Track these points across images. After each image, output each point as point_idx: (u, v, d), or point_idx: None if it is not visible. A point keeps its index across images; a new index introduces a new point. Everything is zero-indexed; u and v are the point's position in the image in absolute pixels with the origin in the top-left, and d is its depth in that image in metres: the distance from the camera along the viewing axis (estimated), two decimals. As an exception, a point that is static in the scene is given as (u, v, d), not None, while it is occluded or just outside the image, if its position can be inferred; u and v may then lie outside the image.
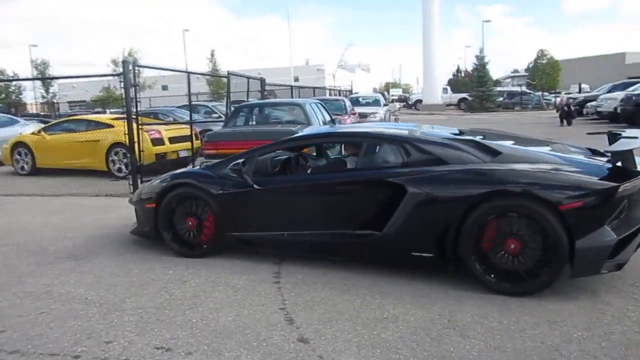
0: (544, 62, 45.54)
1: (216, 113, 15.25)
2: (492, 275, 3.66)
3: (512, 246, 3.58)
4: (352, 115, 15.06)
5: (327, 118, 9.64)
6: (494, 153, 3.89)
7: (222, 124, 10.51)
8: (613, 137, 4.14)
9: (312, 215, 4.32)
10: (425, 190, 3.81)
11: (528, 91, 40.95)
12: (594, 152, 4.25)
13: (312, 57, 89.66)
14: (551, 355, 2.84)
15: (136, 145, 8.13)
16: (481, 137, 4.38)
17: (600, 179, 3.49)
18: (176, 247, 4.77)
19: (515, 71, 65.78)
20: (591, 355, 2.82)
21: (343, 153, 6.44)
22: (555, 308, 3.42)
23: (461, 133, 4.64)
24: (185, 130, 10.57)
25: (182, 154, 10.45)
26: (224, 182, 4.61)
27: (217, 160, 4.99)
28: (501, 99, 38.97)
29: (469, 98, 39.51)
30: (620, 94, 18.85)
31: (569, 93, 40.30)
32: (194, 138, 10.34)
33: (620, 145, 3.79)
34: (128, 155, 8.78)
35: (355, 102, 20.04)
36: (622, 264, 3.53)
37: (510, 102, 38.53)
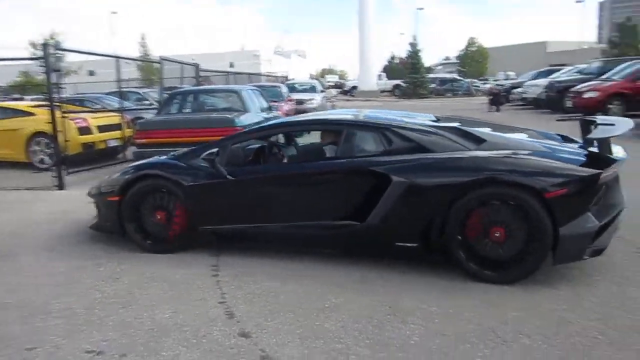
0: (473, 49, 47.26)
1: (148, 100, 14.66)
2: (477, 264, 3.64)
3: (497, 234, 3.56)
4: (289, 102, 14.94)
5: (265, 105, 9.48)
6: (478, 141, 3.84)
7: (154, 111, 10.12)
8: (586, 124, 4.16)
9: (292, 206, 4.14)
10: (410, 179, 3.71)
11: (458, 78, 42.32)
12: (565, 139, 4.31)
13: (248, 42, 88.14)
14: (488, 336, 2.90)
15: (60, 134, 7.63)
16: (458, 124, 4.31)
17: (581, 166, 3.54)
18: (143, 242, 4.49)
19: (447, 59, 67.73)
20: (525, 335, 2.91)
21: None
22: (492, 289, 3.51)
23: (438, 120, 4.56)
24: (115, 119, 10.05)
25: (112, 144, 9.95)
26: (195, 173, 4.35)
27: (187, 149, 4.71)
28: (433, 85, 40.02)
29: (403, 85, 40.29)
30: (544, 81, 19.78)
31: (495, 80, 41.98)
32: (124, 126, 9.85)
33: (600, 133, 3.80)
34: (52, 145, 8.25)
35: (292, 88, 19.88)
36: (601, 250, 3.60)
37: (442, 89, 39.68)
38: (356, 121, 4.39)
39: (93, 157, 9.27)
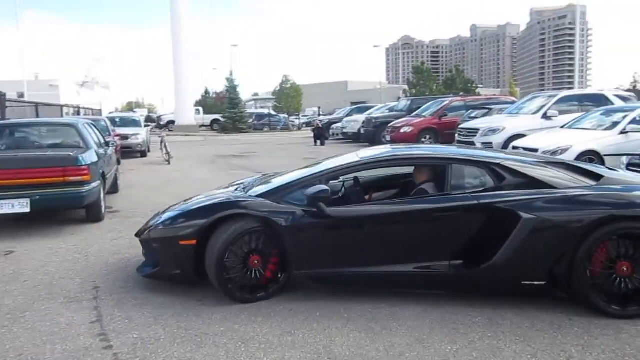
0: (287, 86, 49.50)
1: None
2: (605, 299, 3.58)
3: (624, 268, 3.56)
4: (115, 137, 13.68)
5: (102, 140, 8.47)
6: (596, 176, 3.93)
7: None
8: None
9: (406, 246, 3.90)
10: (540, 216, 3.64)
11: (274, 113, 43.78)
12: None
13: (43, 71, 79.15)
14: (440, 375, 2.86)
15: None
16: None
17: None
18: (234, 292, 3.92)
19: (256, 94, 69.68)
20: (471, 367, 2.93)
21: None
22: (414, 325, 3.50)
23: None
24: None
25: None
26: (290, 212, 3.94)
27: (273, 186, 4.31)
28: (250, 120, 40.71)
29: (222, 119, 40.19)
30: (361, 117, 21.50)
31: (305, 115, 44.41)
32: None
33: None
34: None
35: (111, 122, 18.24)
36: None
37: (259, 124, 40.63)
38: (463, 156, 4.20)
39: None
